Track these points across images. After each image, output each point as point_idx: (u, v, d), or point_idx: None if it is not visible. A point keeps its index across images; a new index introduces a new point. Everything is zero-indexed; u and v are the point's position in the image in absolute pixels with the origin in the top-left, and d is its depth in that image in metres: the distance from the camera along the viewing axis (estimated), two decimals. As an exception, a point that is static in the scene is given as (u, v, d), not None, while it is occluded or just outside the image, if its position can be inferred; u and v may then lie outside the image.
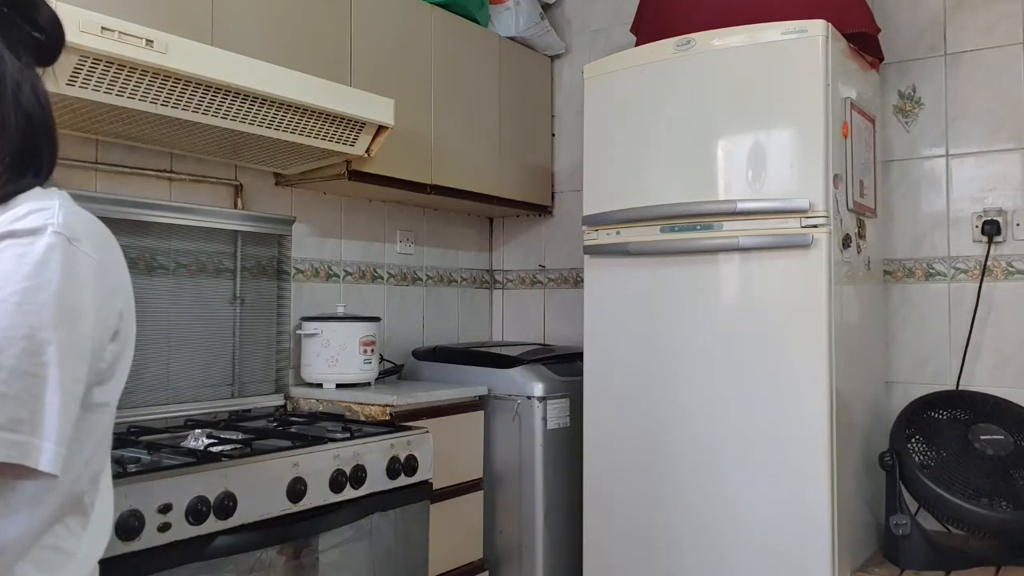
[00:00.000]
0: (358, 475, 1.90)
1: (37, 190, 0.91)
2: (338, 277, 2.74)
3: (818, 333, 2.02)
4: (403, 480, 2.03)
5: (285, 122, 2.04)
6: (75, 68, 1.62)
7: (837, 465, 2.01)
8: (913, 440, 2.19)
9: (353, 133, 2.21)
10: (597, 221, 2.38)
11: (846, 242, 2.14)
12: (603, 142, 2.40)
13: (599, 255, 2.40)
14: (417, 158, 2.60)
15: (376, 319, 2.55)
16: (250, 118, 1.96)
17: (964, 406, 2.24)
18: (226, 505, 1.62)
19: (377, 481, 1.96)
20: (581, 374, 2.44)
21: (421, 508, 2.09)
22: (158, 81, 1.75)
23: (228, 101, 1.90)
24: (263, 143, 2.11)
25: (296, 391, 2.47)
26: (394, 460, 2.00)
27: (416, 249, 3.04)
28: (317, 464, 1.82)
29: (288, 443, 1.88)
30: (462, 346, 2.88)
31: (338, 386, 2.44)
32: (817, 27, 2.07)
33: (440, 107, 2.71)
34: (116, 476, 1.55)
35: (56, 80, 1.60)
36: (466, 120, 2.82)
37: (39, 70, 0.93)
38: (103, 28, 1.62)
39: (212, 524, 1.60)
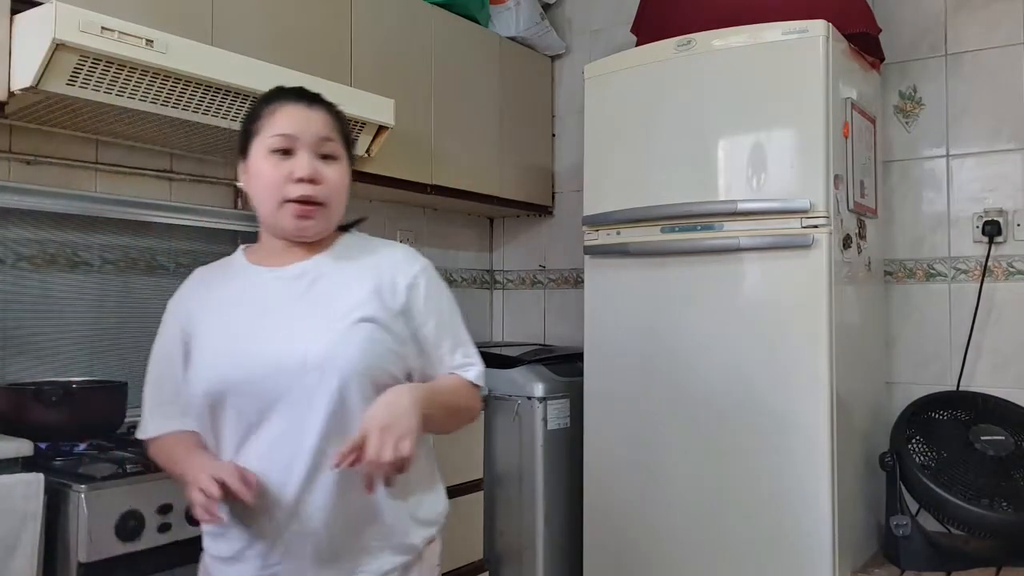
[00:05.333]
0: (358, 475, 1.89)
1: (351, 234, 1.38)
2: (338, 277, 2.73)
3: (819, 334, 2.02)
4: (403, 480, 2.02)
5: (285, 122, 2.03)
6: (75, 68, 1.62)
7: (838, 465, 2.01)
8: (914, 441, 2.18)
9: (353, 133, 2.21)
10: (597, 221, 2.38)
11: (847, 242, 2.14)
12: (603, 142, 2.40)
13: (599, 255, 2.40)
14: (417, 158, 2.60)
15: (376, 319, 2.54)
16: (250, 118, 1.96)
17: (965, 407, 2.24)
18: (226, 505, 1.61)
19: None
20: (581, 374, 2.44)
21: (421, 508, 2.09)
22: (158, 81, 1.75)
23: (228, 101, 1.89)
24: (263, 143, 2.11)
25: (296, 391, 2.46)
26: (394, 460, 2.00)
27: (416, 249, 3.03)
28: (317, 464, 1.81)
29: (288, 443, 1.87)
30: (462, 346, 2.88)
31: (338, 386, 2.43)
32: (818, 27, 2.06)
33: (440, 107, 2.70)
34: (116, 476, 1.56)
35: (57, 80, 1.61)
36: (466, 120, 2.82)
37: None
38: (103, 28, 1.62)
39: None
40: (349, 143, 1.34)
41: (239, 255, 1.37)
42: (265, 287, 1.28)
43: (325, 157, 1.27)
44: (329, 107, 1.33)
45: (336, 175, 1.28)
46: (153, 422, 1.33)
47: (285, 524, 1.20)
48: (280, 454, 1.20)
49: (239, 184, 1.34)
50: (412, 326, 1.29)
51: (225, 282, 1.33)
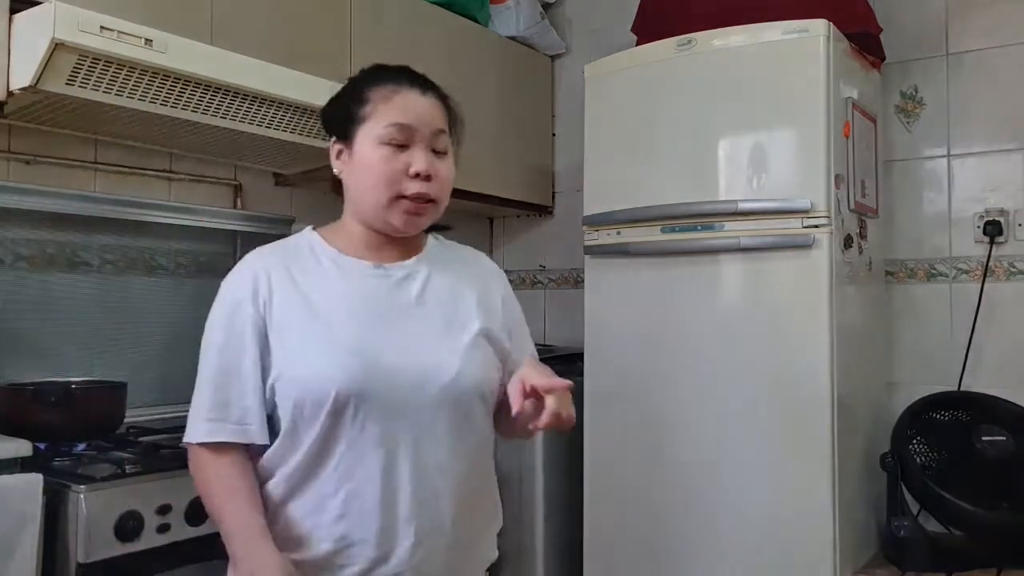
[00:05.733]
0: (358, 476, 1.89)
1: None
2: (338, 277, 2.73)
3: (819, 334, 2.02)
4: (403, 481, 2.02)
5: (285, 122, 2.03)
6: (75, 68, 1.62)
7: (838, 466, 2.01)
8: (915, 441, 2.18)
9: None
10: (598, 221, 2.38)
11: (848, 242, 2.13)
12: (604, 142, 2.40)
13: (600, 255, 2.40)
14: (417, 158, 2.59)
15: (376, 319, 2.54)
16: (250, 118, 1.96)
17: (966, 407, 2.24)
18: (225, 506, 1.61)
19: (377, 482, 1.95)
20: (581, 374, 2.43)
21: (421, 509, 2.08)
22: (157, 81, 1.75)
23: (228, 101, 1.89)
24: (263, 143, 2.11)
25: (296, 391, 2.46)
26: (394, 461, 1.99)
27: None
28: (317, 465, 1.81)
29: (288, 444, 1.87)
30: (462, 346, 2.87)
31: (338, 386, 2.42)
32: (818, 27, 2.06)
33: (440, 107, 2.70)
34: (115, 476, 1.55)
35: (56, 80, 1.60)
36: (466, 120, 2.80)
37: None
38: (102, 27, 1.61)
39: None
40: (456, 134, 1.28)
41: (317, 240, 1.26)
42: (373, 286, 1.21)
43: (436, 151, 1.22)
44: (441, 94, 1.27)
45: (448, 171, 1.23)
46: (203, 425, 1.15)
47: (406, 542, 1.13)
48: (399, 471, 1.13)
49: (334, 170, 1.25)
50: (507, 335, 1.29)
51: (316, 270, 1.22)
